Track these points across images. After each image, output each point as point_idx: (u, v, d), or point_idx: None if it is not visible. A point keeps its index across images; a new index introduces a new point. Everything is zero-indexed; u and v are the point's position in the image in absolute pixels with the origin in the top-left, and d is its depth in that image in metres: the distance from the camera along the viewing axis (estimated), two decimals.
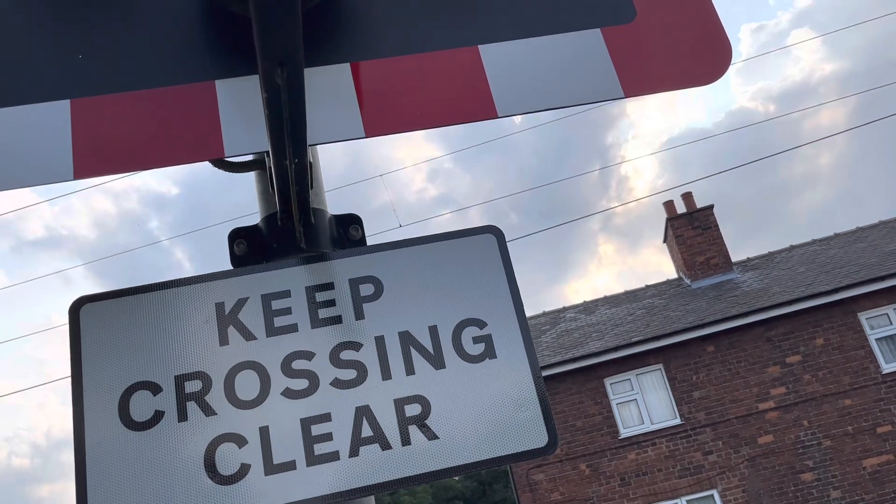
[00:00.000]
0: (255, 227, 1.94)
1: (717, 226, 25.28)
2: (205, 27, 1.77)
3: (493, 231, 1.94)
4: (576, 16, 1.88)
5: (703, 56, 1.83)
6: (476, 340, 1.78)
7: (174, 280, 1.77)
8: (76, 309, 1.70)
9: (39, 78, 1.64)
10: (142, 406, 1.62)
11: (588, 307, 26.40)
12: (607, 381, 21.78)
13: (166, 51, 1.73)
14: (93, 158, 1.57)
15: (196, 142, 1.63)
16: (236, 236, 1.91)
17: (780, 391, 20.74)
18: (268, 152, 1.67)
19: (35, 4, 1.75)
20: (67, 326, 1.68)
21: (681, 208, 26.37)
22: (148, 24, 1.76)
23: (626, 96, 1.78)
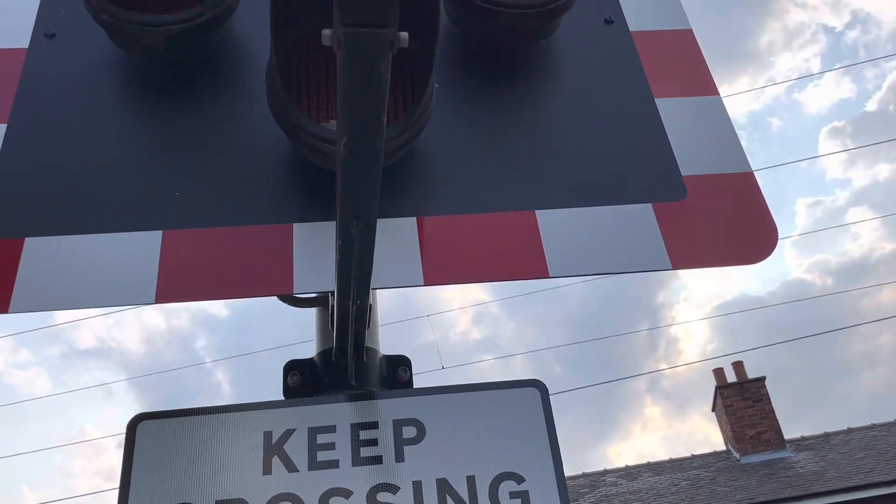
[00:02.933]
0: (309, 360, 2.03)
1: (768, 399, 24.37)
2: (290, 174, 1.97)
3: (538, 385, 1.99)
4: (630, 190, 2.01)
5: (750, 237, 1.93)
6: (513, 496, 1.78)
7: (228, 405, 1.85)
8: (134, 424, 1.78)
9: (139, 209, 1.83)
10: None
11: (630, 472, 25.20)
12: None
13: (253, 193, 1.92)
14: (174, 286, 1.72)
15: (269, 278, 1.77)
16: (291, 368, 2.00)
17: None
18: (332, 292, 1.79)
19: (145, 143, 1.98)
20: (123, 439, 1.76)
21: (731, 377, 25.60)
22: (240, 167, 1.96)
23: (674, 268, 1.86)
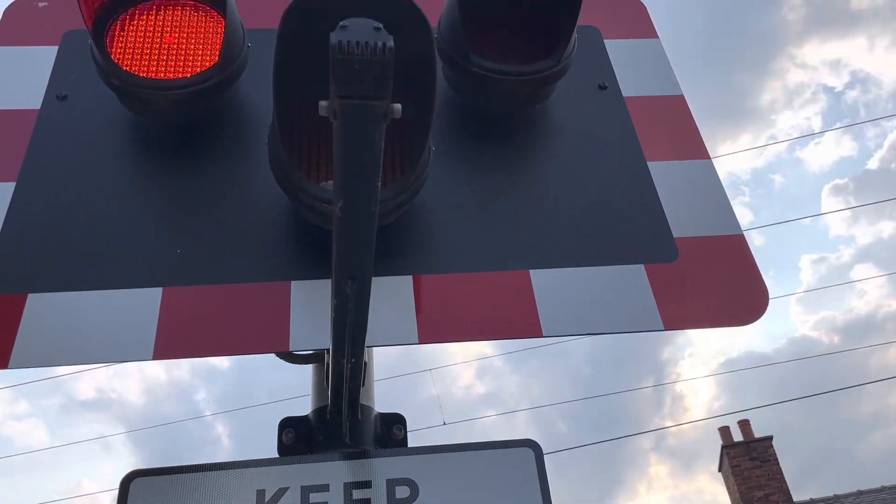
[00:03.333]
0: (304, 418, 2.04)
1: (776, 459, 23.91)
2: (290, 233, 2.01)
3: (532, 446, 1.98)
4: (622, 251, 2.05)
5: (741, 299, 1.95)
6: None
7: (222, 463, 1.85)
8: (127, 482, 1.78)
9: (141, 266, 1.87)
10: None
11: None
12: None
13: (253, 250, 1.96)
14: (172, 343, 1.74)
15: (266, 335, 1.79)
16: (286, 425, 2.00)
17: None
18: (328, 349, 1.81)
19: (149, 201, 2.04)
20: (117, 496, 1.76)
21: (737, 435, 25.19)
22: (240, 225, 2.01)
23: (666, 329, 1.89)
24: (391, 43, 1.11)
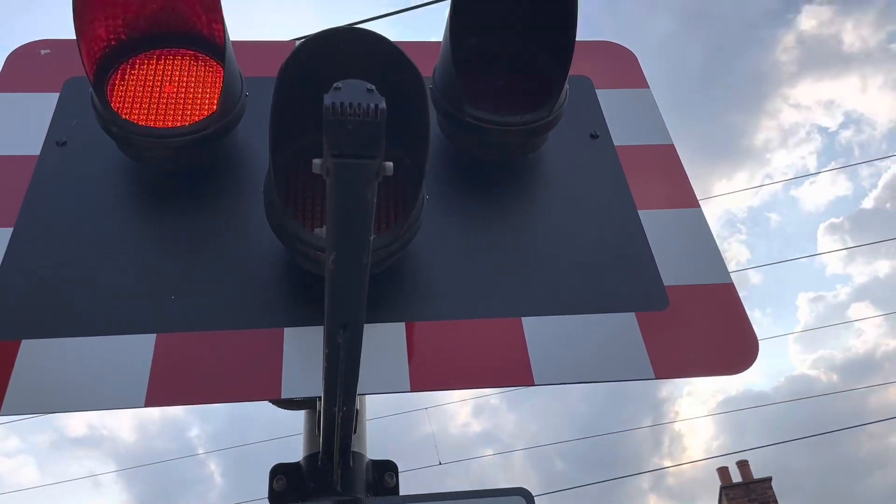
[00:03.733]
0: (295, 465, 2.03)
1: (776, 500, 23.61)
2: (284, 280, 2.03)
3: (524, 494, 1.97)
4: (614, 299, 2.07)
5: (731, 348, 1.97)
6: None
7: None
8: None
9: (135, 312, 1.88)
10: None
11: None
12: None
13: (247, 297, 1.97)
14: (164, 391, 1.75)
15: (258, 383, 1.80)
16: (277, 472, 1.99)
17: None
18: (320, 397, 1.81)
19: (145, 247, 2.05)
20: None
21: (736, 476, 24.91)
22: (235, 272, 2.03)
23: (657, 378, 1.89)
24: (383, 104, 1.14)
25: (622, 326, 2.00)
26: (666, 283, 2.10)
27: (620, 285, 2.09)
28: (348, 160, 1.15)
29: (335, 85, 1.17)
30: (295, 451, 2.10)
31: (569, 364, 1.92)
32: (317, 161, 1.20)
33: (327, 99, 1.14)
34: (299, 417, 2.33)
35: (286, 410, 2.24)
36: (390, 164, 1.20)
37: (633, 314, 2.03)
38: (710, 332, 2.01)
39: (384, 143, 1.16)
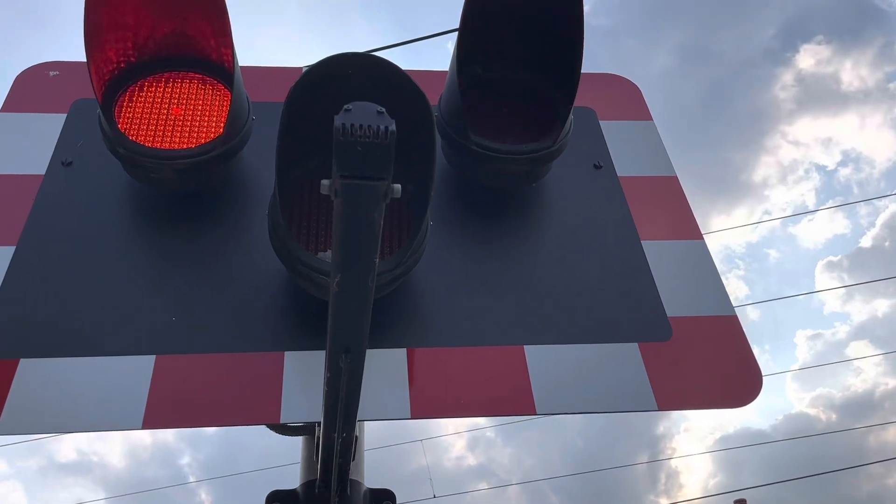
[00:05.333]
0: (293, 491, 2.00)
1: None
2: (286, 303, 2.02)
3: None
4: (616, 329, 2.06)
5: (735, 381, 1.95)
6: None
7: None
8: None
9: (135, 333, 1.87)
10: None
11: None
12: None
13: (248, 320, 1.96)
14: (162, 413, 1.73)
15: (257, 406, 1.78)
16: (274, 499, 1.96)
17: None
18: (319, 423, 1.79)
19: (147, 269, 2.05)
20: None
21: None
22: (237, 294, 2.02)
23: (660, 409, 1.88)
24: (393, 127, 1.15)
25: (625, 357, 1.99)
26: (669, 314, 2.09)
27: (624, 315, 2.08)
28: (357, 181, 1.15)
29: (346, 107, 1.17)
30: (287, 480, 2.07)
31: (571, 394, 1.90)
32: (325, 182, 1.20)
33: (338, 120, 1.14)
34: (292, 447, 2.30)
35: (282, 437, 2.21)
36: (398, 186, 1.20)
37: (636, 345, 2.02)
38: (714, 363, 1.99)
39: (393, 166, 1.16)
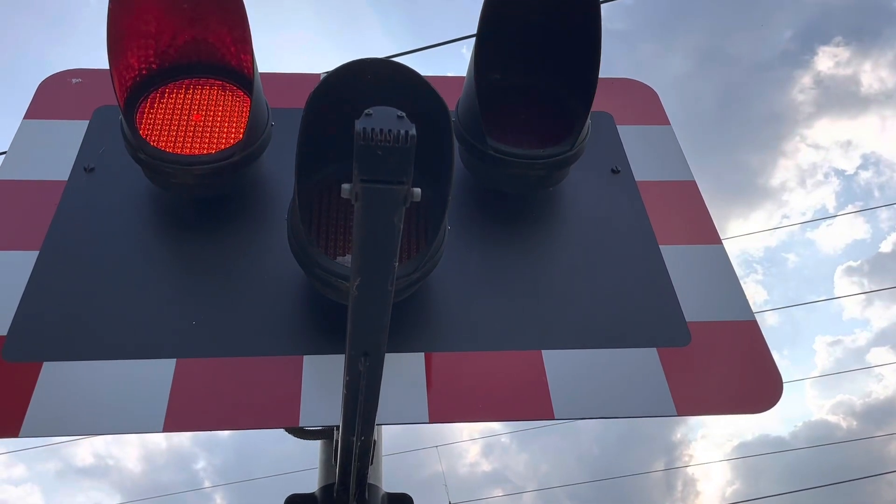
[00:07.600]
0: (311, 495, 2.00)
1: None
2: (305, 307, 2.03)
3: None
4: (635, 334, 2.05)
5: (755, 386, 1.94)
6: None
7: None
8: None
9: (156, 337, 1.89)
10: None
11: None
12: None
13: (267, 324, 1.98)
14: (183, 416, 1.74)
15: (276, 410, 1.79)
16: (292, 503, 1.97)
17: None
18: (337, 426, 1.80)
19: (168, 273, 2.07)
20: None
21: None
22: (256, 299, 2.03)
23: (679, 415, 1.87)
24: (413, 131, 1.15)
25: (644, 362, 1.98)
26: (688, 318, 2.08)
27: (642, 320, 2.08)
28: (377, 185, 1.16)
29: (366, 111, 1.18)
30: (301, 486, 2.08)
31: (589, 398, 1.89)
32: (346, 186, 1.20)
33: (358, 124, 1.15)
34: (307, 452, 2.31)
35: (297, 442, 2.22)
36: (418, 190, 1.21)
37: (654, 349, 2.01)
38: (733, 369, 1.98)
39: (413, 170, 1.17)
